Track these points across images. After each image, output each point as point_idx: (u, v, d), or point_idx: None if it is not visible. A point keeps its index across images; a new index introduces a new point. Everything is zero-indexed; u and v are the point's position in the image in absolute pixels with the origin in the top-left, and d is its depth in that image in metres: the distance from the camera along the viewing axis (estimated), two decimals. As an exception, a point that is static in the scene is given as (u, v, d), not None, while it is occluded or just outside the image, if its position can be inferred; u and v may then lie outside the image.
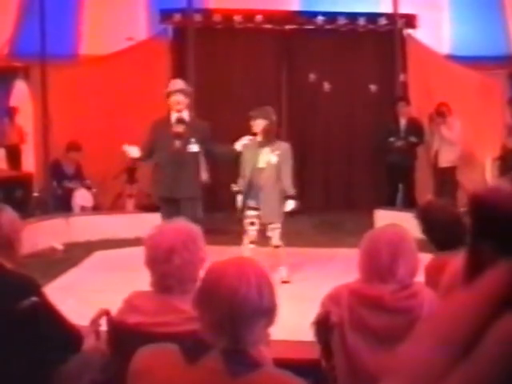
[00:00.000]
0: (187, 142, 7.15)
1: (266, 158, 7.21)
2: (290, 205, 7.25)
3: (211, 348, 1.99)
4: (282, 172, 7.21)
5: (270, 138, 7.24)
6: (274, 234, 7.31)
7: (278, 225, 7.30)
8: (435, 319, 0.67)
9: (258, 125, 7.23)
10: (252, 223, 7.29)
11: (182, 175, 7.14)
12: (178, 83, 7.48)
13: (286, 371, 2.03)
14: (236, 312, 1.98)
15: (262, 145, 7.23)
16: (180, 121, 7.20)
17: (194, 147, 7.18)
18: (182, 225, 2.93)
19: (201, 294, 2.08)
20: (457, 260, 2.09)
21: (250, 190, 7.23)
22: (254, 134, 7.29)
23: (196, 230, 2.92)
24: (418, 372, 0.64)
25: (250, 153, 7.25)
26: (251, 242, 7.33)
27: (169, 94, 7.26)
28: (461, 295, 0.66)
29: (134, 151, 7.35)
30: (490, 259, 0.66)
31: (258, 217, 7.26)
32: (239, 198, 7.34)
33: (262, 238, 7.44)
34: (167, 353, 2.08)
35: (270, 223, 7.29)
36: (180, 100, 7.21)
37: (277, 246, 7.36)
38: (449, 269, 2.09)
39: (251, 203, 7.24)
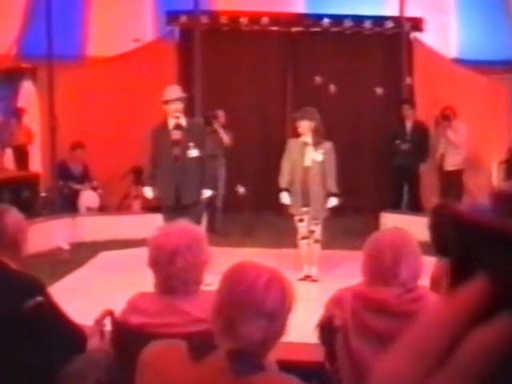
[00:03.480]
0: (186, 148, 7.18)
1: (311, 157, 7.51)
2: (333, 202, 7.57)
3: (217, 347, 2.00)
4: (326, 170, 7.51)
5: (319, 137, 7.53)
6: (317, 228, 7.66)
7: (321, 220, 7.67)
8: (412, 330, 0.69)
9: (304, 126, 7.50)
10: (301, 220, 7.65)
11: (185, 182, 7.18)
12: (176, 91, 7.45)
13: (292, 376, 2.03)
14: (235, 299, 1.99)
15: (307, 144, 7.51)
16: (177, 127, 7.24)
17: (193, 152, 7.20)
18: (186, 227, 2.93)
19: (219, 281, 2.11)
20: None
21: (298, 188, 7.54)
22: (299, 135, 7.59)
23: (200, 232, 2.93)
24: (393, 383, 0.66)
25: (296, 152, 7.55)
26: (303, 238, 7.71)
27: (167, 102, 7.25)
28: (437, 307, 0.67)
29: (148, 193, 7.49)
30: (471, 271, 0.69)
31: (307, 213, 7.57)
32: (285, 196, 7.63)
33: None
34: (176, 349, 2.08)
35: (316, 219, 7.60)
36: (180, 108, 7.25)
37: (317, 241, 7.70)
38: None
39: (300, 201, 7.53)
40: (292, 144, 7.65)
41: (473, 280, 0.64)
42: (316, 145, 7.49)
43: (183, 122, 7.28)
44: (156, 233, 2.90)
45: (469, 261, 0.66)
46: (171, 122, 7.26)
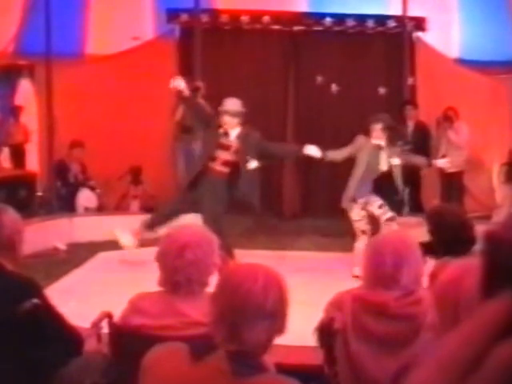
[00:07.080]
0: (244, 160, 7.20)
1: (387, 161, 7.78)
2: None
3: (218, 348, 2.01)
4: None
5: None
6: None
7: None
8: (440, 344, 0.73)
9: (377, 129, 7.74)
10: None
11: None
12: (229, 103, 7.35)
13: (291, 378, 2.04)
14: (237, 305, 1.99)
15: (381, 148, 7.72)
16: (225, 135, 7.23)
17: (252, 164, 7.25)
18: (199, 228, 3.07)
19: (214, 288, 2.13)
20: (450, 269, 1.98)
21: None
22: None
23: (212, 236, 2.98)
24: None
25: (370, 155, 7.82)
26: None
27: (221, 113, 7.26)
28: (463, 324, 0.72)
29: (181, 83, 7.22)
30: (501, 286, 0.72)
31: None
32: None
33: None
34: (176, 351, 2.09)
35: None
36: (226, 121, 7.22)
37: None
38: (441, 277, 2.00)
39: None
40: (363, 142, 7.88)
41: (499, 296, 0.69)
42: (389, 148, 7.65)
43: (234, 133, 7.25)
44: (168, 230, 3.00)
45: (499, 276, 0.71)
46: (221, 129, 7.27)
